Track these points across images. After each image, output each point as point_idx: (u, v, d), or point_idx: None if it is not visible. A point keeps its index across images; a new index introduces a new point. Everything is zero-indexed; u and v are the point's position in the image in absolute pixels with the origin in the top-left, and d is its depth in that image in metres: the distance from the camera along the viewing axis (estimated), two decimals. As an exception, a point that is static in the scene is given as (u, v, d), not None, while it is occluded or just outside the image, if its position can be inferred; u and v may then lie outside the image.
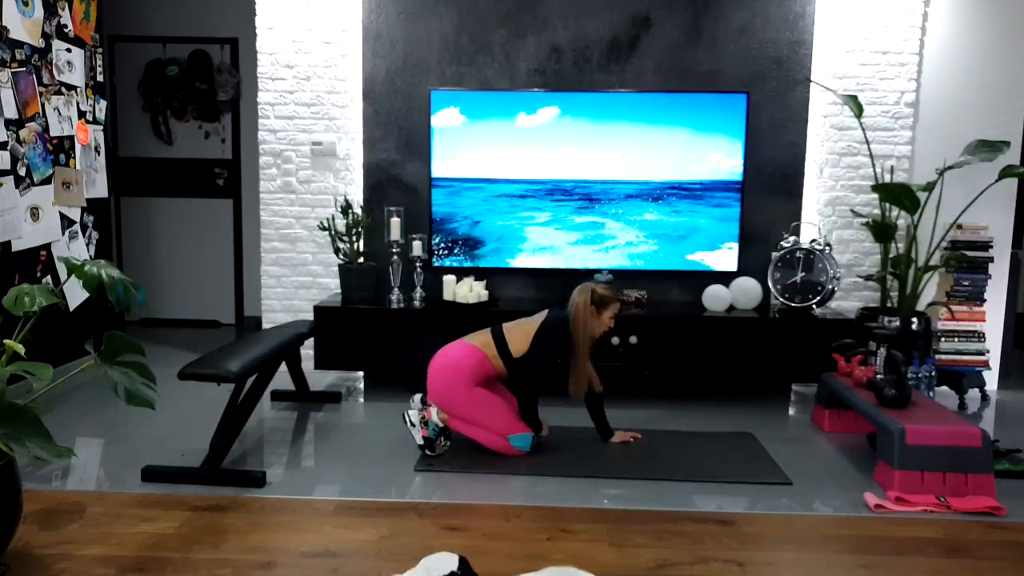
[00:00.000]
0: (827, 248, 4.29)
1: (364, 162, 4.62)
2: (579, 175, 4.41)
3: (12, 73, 3.90)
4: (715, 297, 4.33)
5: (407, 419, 3.35)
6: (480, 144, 4.42)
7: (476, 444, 3.33)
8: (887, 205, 4.18)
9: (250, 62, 5.35)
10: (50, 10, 4.18)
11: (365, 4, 4.51)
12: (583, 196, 4.41)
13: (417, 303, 4.32)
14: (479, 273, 4.45)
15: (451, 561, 2.10)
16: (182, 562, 2.36)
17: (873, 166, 4.34)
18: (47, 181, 4.18)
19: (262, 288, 4.77)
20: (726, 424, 3.85)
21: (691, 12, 4.44)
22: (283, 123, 4.64)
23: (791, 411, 4.18)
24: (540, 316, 3.38)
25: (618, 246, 4.44)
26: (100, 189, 4.70)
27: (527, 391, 3.32)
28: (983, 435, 2.96)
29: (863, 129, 4.32)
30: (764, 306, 4.41)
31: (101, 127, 4.69)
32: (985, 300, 4.31)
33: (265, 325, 4.74)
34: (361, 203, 4.61)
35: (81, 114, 4.47)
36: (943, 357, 4.29)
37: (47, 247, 4.21)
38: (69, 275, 2.54)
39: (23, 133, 3.98)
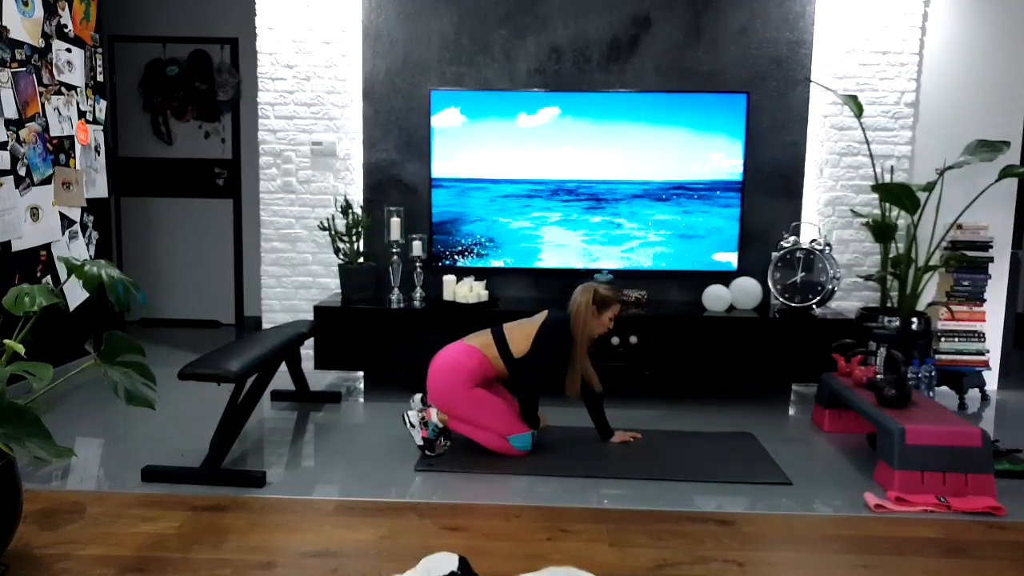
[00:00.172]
0: (827, 248, 4.29)
1: (364, 162, 4.62)
2: (580, 175, 4.41)
3: (12, 73, 3.91)
4: (715, 297, 4.33)
5: (407, 420, 3.35)
6: (480, 144, 4.42)
7: (476, 444, 3.33)
8: (887, 205, 4.18)
9: (250, 62, 5.35)
10: (50, 10, 4.18)
11: (365, 4, 4.51)
12: (589, 196, 4.41)
13: (417, 303, 4.32)
14: (479, 273, 4.45)
15: (451, 561, 2.10)
16: (182, 562, 2.36)
17: (873, 166, 4.34)
18: (47, 181, 4.18)
19: (262, 288, 4.77)
20: (726, 424, 3.85)
21: (691, 12, 4.44)
22: (283, 123, 4.64)
23: (791, 411, 4.18)
24: (540, 316, 3.38)
25: (632, 247, 4.44)
26: (100, 189, 4.70)
27: (528, 391, 3.32)
28: (983, 435, 2.96)
29: (863, 129, 4.32)
30: (764, 306, 4.41)
31: (101, 127, 4.70)
32: (985, 300, 4.31)
33: (265, 325, 4.74)
34: (361, 203, 4.61)
35: (81, 114, 4.47)
36: (943, 357, 4.29)
37: (47, 247, 4.21)
38: (69, 275, 2.54)
39: (23, 133, 3.98)
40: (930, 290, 4.41)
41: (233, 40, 5.78)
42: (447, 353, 3.33)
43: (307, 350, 4.45)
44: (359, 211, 4.52)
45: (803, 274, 4.29)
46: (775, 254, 4.34)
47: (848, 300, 4.59)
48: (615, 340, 4.10)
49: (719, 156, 4.36)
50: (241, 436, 3.46)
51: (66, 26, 4.32)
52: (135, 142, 5.93)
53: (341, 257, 4.43)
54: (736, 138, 4.34)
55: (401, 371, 4.35)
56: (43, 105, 4.14)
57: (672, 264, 4.45)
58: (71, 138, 4.38)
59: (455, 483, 3.05)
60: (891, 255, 4.27)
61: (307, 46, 4.57)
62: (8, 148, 3.87)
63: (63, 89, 4.31)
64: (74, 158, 4.41)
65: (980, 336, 4.31)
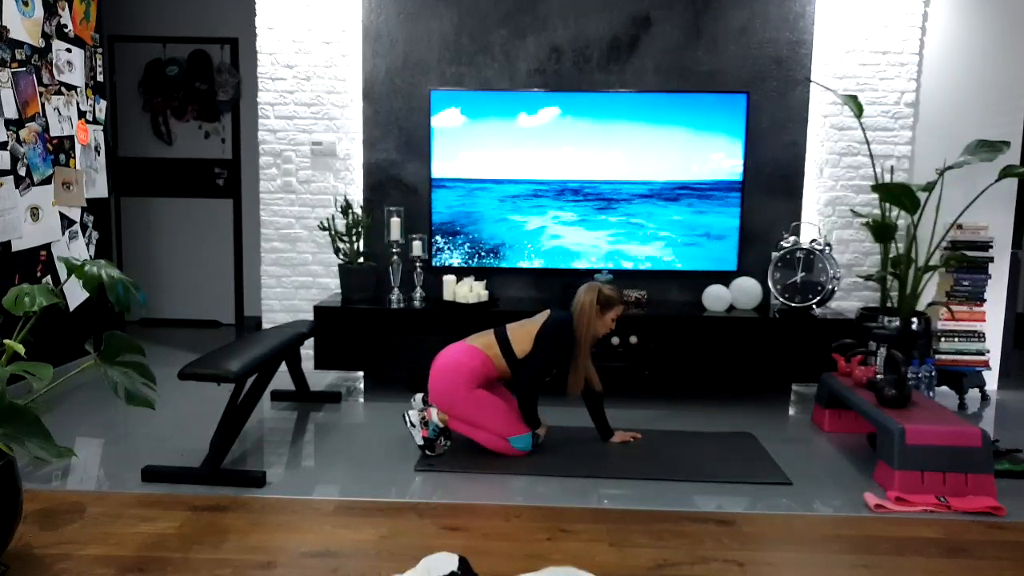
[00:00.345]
0: (827, 248, 4.29)
1: (364, 162, 4.62)
2: (581, 175, 4.41)
3: (12, 73, 3.91)
4: (715, 297, 4.33)
5: (407, 419, 3.35)
6: (480, 144, 4.42)
7: (476, 444, 3.33)
8: (887, 205, 4.18)
9: (250, 62, 5.35)
10: (50, 10, 4.18)
11: (365, 4, 4.51)
12: (589, 196, 4.41)
13: (417, 303, 4.32)
14: (479, 273, 4.45)
15: (451, 561, 2.10)
16: (182, 562, 2.36)
17: (873, 166, 4.34)
18: (47, 181, 4.18)
19: (262, 288, 4.77)
20: (726, 424, 3.85)
21: (691, 12, 4.44)
22: (283, 123, 4.64)
23: (791, 411, 4.18)
24: (542, 316, 3.38)
25: (632, 247, 4.44)
26: (100, 189, 4.70)
27: (525, 390, 3.30)
28: (983, 435, 2.96)
29: (863, 129, 4.32)
30: (764, 306, 4.41)
31: (101, 127, 4.70)
32: (985, 300, 4.31)
33: (265, 325, 4.74)
34: (361, 203, 4.61)
35: (81, 114, 4.47)
36: (943, 357, 4.29)
37: (47, 247, 4.21)
38: (69, 275, 2.54)
39: (23, 133, 3.98)
40: (930, 290, 4.41)
41: (233, 40, 5.78)
42: (449, 353, 3.33)
43: (307, 350, 4.45)
44: (359, 211, 4.52)
45: (803, 274, 4.29)
46: (775, 254, 4.34)
47: (848, 300, 4.59)
48: (615, 340, 4.10)
49: (719, 156, 4.36)
50: (241, 436, 3.46)
51: (66, 26, 4.32)
52: (135, 142, 5.93)
53: (341, 257, 4.43)
54: (736, 138, 4.34)
55: (401, 371, 4.35)
56: (43, 105, 4.14)
57: (672, 264, 4.45)
58: (71, 138, 4.38)
59: (455, 483, 3.05)
60: (891, 255, 4.27)
61: (307, 46, 4.57)
62: (8, 148, 3.88)
63: (63, 89, 4.31)
64: (74, 158, 4.41)
65: (980, 336, 4.31)
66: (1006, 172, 3.95)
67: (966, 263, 4.27)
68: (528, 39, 4.48)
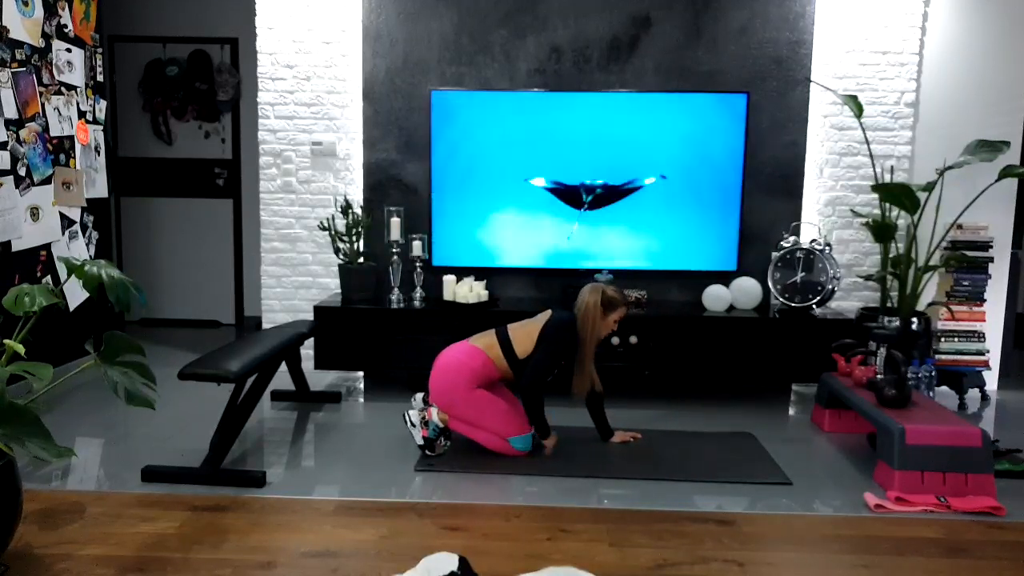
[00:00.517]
0: (827, 248, 4.29)
1: (364, 162, 4.62)
2: (581, 175, 4.41)
3: (12, 73, 3.91)
4: (715, 297, 4.33)
5: (407, 419, 3.35)
6: (480, 144, 4.41)
7: (476, 444, 3.33)
8: (887, 205, 4.18)
9: (250, 62, 5.35)
10: (50, 10, 4.18)
11: (365, 4, 4.51)
12: (594, 196, 4.41)
13: (417, 303, 4.32)
14: (479, 273, 4.45)
15: (451, 561, 2.10)
16: (182, 562, 2.36)
17: (873, 166, 4.34)
18: (47, 181, 4.18)
19: (262, 288, 4.77)
20: (726, 424, 3.85)
21: (691, 12, 4.44)
22: (283, 123, 4.64)
23: (791, 411, 4.18)
24: (544, 316, 3.37)
25: (632, 247, 4.44)
26: (100, 189, 4.70)
27: (527, 391, 3.29)
28: (983, 435, 2.96)
29: (863, 129, 4.32)
30: (764, 306, 4.41)
31: (101, 127, 4.70)
32: (985, 300, 4.31)
33: (265, 325, 4.74)
34: (361, 203, 4.61)
35: (81, 114, 4.47)
36: (943, 357, 4.29)
37: (47, 247, 4.21)
38: (69, 275, 2.54)
39: (23, 133, 3.98)
40: (930, 290, 4.41)
41: (233, 40, 5.78)
42: (450, 353, 3.32)
43: (307, 350, 4.45)
44: (359, 211, 4.52)
45: (803, 274, 4.29)
46: (775, 254, 4.34)
47: (848, 300, 4.59)
48: (615, 340, 4.10)
49: (719, 156, 4.36)
50: (241, 436, 3.46)
51: (66, 26, 4.32)
52: (135, 142, 5.93)
53: (341, 257, 4.43)
54: (736, 138, 4.34)
55: (401, 371, 4.35)
56: (43, 105, 4.14)
57: (672, 264, 4.45)
58: (71, 138, 4.38)
59: (455, 483, 3.05)
60: (891, 255, 4.27)
61: (307, 46, 4.57)
62: (8, 148, 3.88)
63: (63, 89, 4.31)
64: (74, 158, 4.41)
65: (980, 336, 4.31)
66: (1006, 172, 3.95)
67: (966, 263, 4.27)
68: (528, 39, 4.48)
